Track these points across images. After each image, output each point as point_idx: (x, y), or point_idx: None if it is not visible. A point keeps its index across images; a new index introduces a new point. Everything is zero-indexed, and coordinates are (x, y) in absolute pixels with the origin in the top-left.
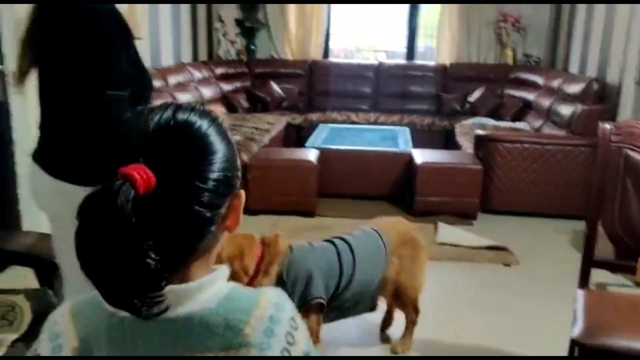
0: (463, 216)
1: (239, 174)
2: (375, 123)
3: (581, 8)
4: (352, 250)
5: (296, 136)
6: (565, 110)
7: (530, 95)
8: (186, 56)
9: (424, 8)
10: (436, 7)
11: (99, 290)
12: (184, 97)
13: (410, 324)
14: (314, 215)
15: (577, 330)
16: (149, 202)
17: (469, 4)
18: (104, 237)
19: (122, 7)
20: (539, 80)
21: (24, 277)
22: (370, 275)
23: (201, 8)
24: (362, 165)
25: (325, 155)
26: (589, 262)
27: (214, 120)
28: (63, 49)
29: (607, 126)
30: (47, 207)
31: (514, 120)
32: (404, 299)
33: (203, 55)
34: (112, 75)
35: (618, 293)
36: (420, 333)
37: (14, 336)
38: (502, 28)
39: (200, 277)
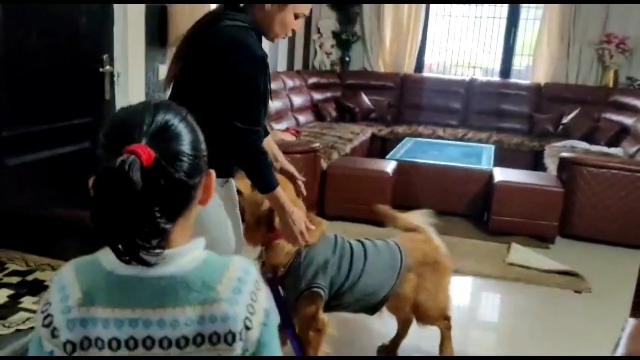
0: (540, 239)
1: (205, 156)
2: (462, 139)
3: None
4: (365, 257)
5: (381, 148)
6: None
7: (628, 120)
8: (282, 65)
9: (522, 26)
10: (535, 26)
11: (111, 245)
12: (274, 105)
13: (445, 330)
14: (385, 225)
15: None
16: (151, 172)
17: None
18: (120, 199)
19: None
20: None
21: None
22: (375, 286)
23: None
24: (439, 179)
25: (402, 167)
26: None
27: (184, 116)
28: (207, 72)
29: None
30: None
31: (609, 145)
32: (428, 318)
33: (298, 65)
34: (238, 110)
35: None
36: (479, 348)
37: None
38: (605, 49)
39: (180, 245)
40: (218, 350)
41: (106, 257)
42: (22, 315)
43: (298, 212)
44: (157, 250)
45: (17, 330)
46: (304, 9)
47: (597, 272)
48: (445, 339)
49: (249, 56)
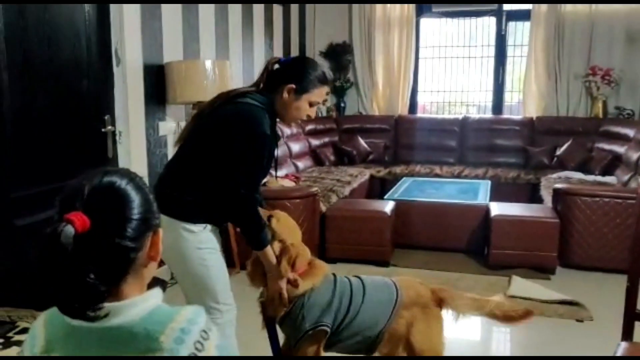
0: (540, 270)
1: (156, 216)
2: (459, 176)
3: None
4: (364, 292)
5: (380, 189)
6: None
7: (620, 149)
8: None
9: (510, 63)
10: (522, 62)
11: (55, 302)
12: None
13: None
14: (388, 265)
15: None
16: (87, 238)
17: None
18: (53, 263)
19: (213, 74)
20: (630, 132)
21: None
22: (372, 320)
23: None
24: (437, 217)
25: (401, 206)
26: (631, 315)
27: (132, 179)
28: (219, 139)
29: None
30: None
31: (603, 174)
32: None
33: None
34: (240, 179)
35: None
36: None
37: None
38: (591, 81)
39: (133, 297)
40: None
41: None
42: None
43: (274, 278)
44: (99, 306)
45: None
46: (318, 97)
47: (598, 300)
48: None
49: (258, 134)
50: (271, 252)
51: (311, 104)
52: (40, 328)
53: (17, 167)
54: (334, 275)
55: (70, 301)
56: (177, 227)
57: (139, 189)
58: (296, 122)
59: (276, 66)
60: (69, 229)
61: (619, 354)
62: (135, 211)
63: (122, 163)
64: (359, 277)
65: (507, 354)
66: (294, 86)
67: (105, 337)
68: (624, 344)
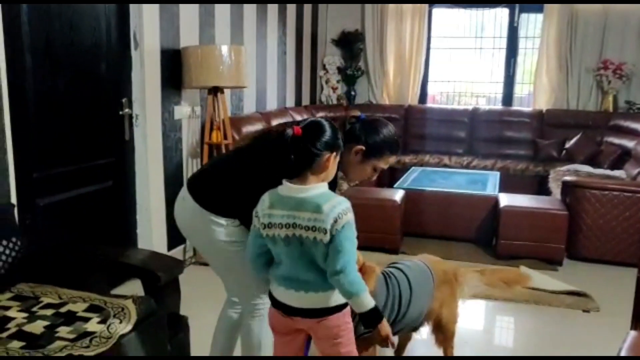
0: (548, 261)
1: (338, 144)
2: (468, 167)
3: None
4: (410, 288)
5: (390, 178)
6: None
7: (630, 143)
8: (290, 102)
9: (521, 55)
10: (534, 55)
11: (285, 172)
12: None
13: (450, 355)
14: (397, 252)
15: None
16: (296, 139)
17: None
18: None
19: (229, 59)
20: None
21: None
22: (418, 313)
23: (306, 57)
24: (446, 206)
25: (410, 195)
26: None
27: (330, 122)
28: (273, 165)
29: None
30: (185, 224)
31: (612, 167)
32: (445, 332)
33: (306, 101)
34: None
35: None
36: None
37: (123, 331)
38: (603, 75)
39: (312, 184)
40: (318, 234)
41: (280, 188)
42: (59, 343)
43: None
44: (298, 185)
45: (56, 357)
46: (385, 165)
47: (605, 292)
48: (449, 354)
49: None
50: None
51: (375, 169)
52: (266, 197)
53: (39, 148)
54: (383, 274)
55: (294, 167)
56: (207, 218)
57: (332, 127)
58: (353, 182)
59: (352, 120)
60: (290, 132)
61: (628, 342)
62: (324, 136)
63: (138, 146)
64: (400, 270)
65: (513, 342)
66: (363, 148)
67: (296, 202)
68: (633, 333)
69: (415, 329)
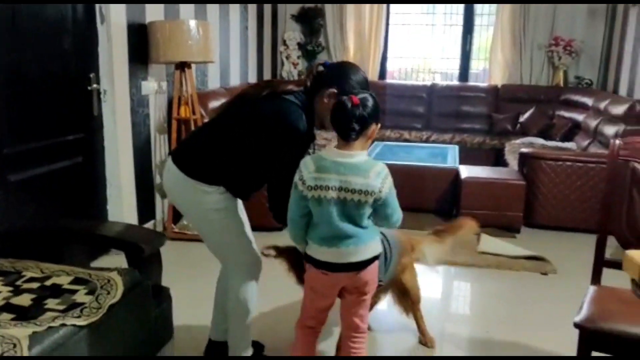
0: (507, 229)
1: (378, 117)
2: (427, 141)
3: (630, 32)
4: (389, 245)
5: None
6: (610, 130)
7: (579, 117)
8: (252, 77)
9: (477, 32)
10: (489, 31)
11: (341, 133)
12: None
13: (421, 319)
14: None
15: (579, 317)
16: (355, 106)
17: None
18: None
19: (197, 34)
20: (589, 101)
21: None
22: (393, 270)
23: (267, 33)
24: (410, 179)
25: None
26: (600, 262)
27: (373, 97)
28: (257, 129)
29: (617, 142)
30: (173, 194)
31: (563, 140)
32: (411, 297)
33: (267, 77)
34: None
35: (623, 289)
36: (454, 328)
37: (112, 302)
38: (553, 51)
39: (358, 151)
40: (365, 197)
41: (326, 153)
42: (50, 314)
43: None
44: (347, 151)
45: (50, 328)
46: None
47: (561, 256)
48: (423, 327)
49: (294, 132)
50: None
51: None
52: (310, 162)
53: (8, 124)
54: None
55: (352, 133)
56: (193, 186)
57: (375, 100)
58: (326, 129)
59: (320, 68)
60: (348, 102)
61: (589, 295)
62: (373, 107)
63: (107, 121)
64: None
65: (477, 304)
66: (335, 90)
67: (347, 167)
68: (593, 287)
69: (385, 290)
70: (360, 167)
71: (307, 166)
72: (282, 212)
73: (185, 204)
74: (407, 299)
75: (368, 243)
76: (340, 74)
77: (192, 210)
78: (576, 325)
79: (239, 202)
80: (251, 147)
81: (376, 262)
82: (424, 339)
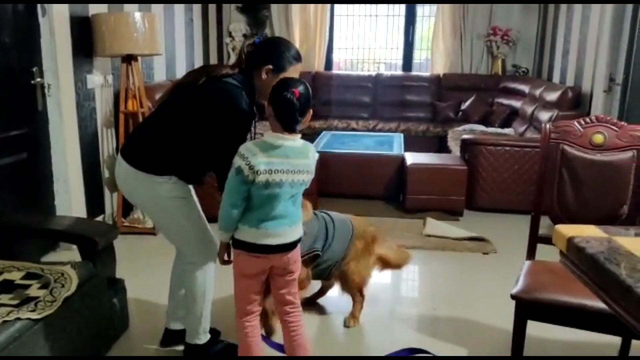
0: (450, 213)
1: (311, 103)
2: (373, 130)
3: (561, 22)
4: (334, 226)
5: None
6: (544, 115)
7: (517, 103)
8: None
9: (419, 22)
10: (430, 22)
11: (283, 122)
12: None
13: (357, 304)
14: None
15: (515, 289)
16: (299, 100)
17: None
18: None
19: (143, 26)
20: (525, 89)
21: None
22: (339, 249)
23: (212, 25)
24: (357, 167)
25: (323, 158)
26: (534, 238)
27: (306, 85)
28: (200, 113)
29: (548, 126)
30: (126, 189)
31: (502, 126)
32: (350, 282)
33: None
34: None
35: (555, 262)
36: (403, 308)
37: (67, 294)
38: (492, 41)
39: (297, 135)
40: (307, 176)
41: (268, 139)
42: (3, 309)
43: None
44: (292, 136)
45: (4, 322)
46: (294, 74)
47: (501, 236)
48: (357, 311)
49: (237, 111)
50: None
51: None
52: (253, 147)
53: None
54: (314, 211)
55: (292, 124)
56: (144, 178)
57: (308, 88)
58: None
59: (249, 48)
60: (290, 95)
61: (524, 269)
62: (310, 95)
63: (52, 116)
64: (326, 213)
65: (424, 284)
66: (271, 67)
67: (293, 151)
68: (528, 262)
69: (331, 272)
70: (303, 149)
71: (251, 151)
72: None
73: (139, 196)
74: (345, 282)
75: (299, 223)
76: (273, 49)
77: (147, 201)
78: (512, 296)
79: (191, 188)
80: (196, 132)
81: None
82: (349, 321)
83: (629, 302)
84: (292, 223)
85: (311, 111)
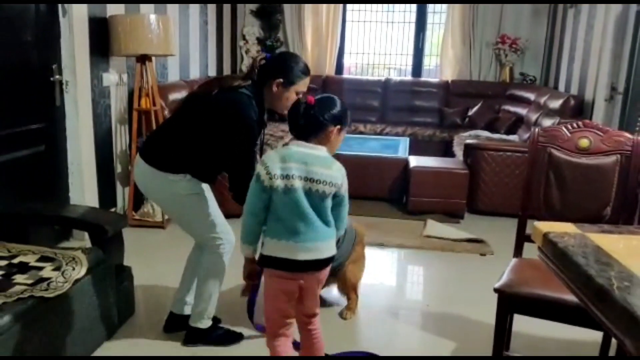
0: (452, 215)
1: (344, 121)
2: (381, 133)
3: (568, 31)
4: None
5: None
6: (547, 122)
7: (523, 111)
8: (212, 71)
9: (429, 30)
10: (440, 29)
11: (289, 126)
12: None
13: (353, 301)
14: None
15: (498, 284)
16: (309, 107)
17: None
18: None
19: (158, 28)
20: (531, 96)
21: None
22: (345, 250)
23: (226, 28)
24: (362, 169)
25: None
26: (521, 237)
27: (337, 101)
28: (213, 121)
29: (537, 130)
30: (144, 186)
31: (507, 133)
32: (347, 283)
33: (227, 70)
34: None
35: (539, 259)
36: (398, 303)
37: (77, 276)
38: (500, 49)
39: (322, 148)
40: (328, 187)
41: (289, 146)
42: (18, 288)
43: None
44: (313, 145)
45: (19, 299)
46: (303, 87)
47: (499, 239)
48: (352, 305)
49: (245, 119)
50: None
51: (297, 93)
52: (273, 154)
53: None
54: None
55: (301, 130)
56: (162, 177)
57: (343, 105)
58: (285, 110)
59: (262, 62)
60: (303, 101)
61: (510, 266)
62: (333, 109)
63: (69, 111)
64: None
65: (421, 282)
66: (281, 80)
67: (310, 158)
68: (514, 259)
69: (335, 273)
70: (324, 159)
71: (271, 159)
72: (242, 192)
73: (157, 193)
74: (343, 283)
75: (329, 240)
76: (282, 64)
77: (165, 198)
78: (495, 290)
79: (207, 185)
80: (209, 137)
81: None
82: (346, 313)
83: (591, 291)
84: (319, 239)
85: (336, 128)
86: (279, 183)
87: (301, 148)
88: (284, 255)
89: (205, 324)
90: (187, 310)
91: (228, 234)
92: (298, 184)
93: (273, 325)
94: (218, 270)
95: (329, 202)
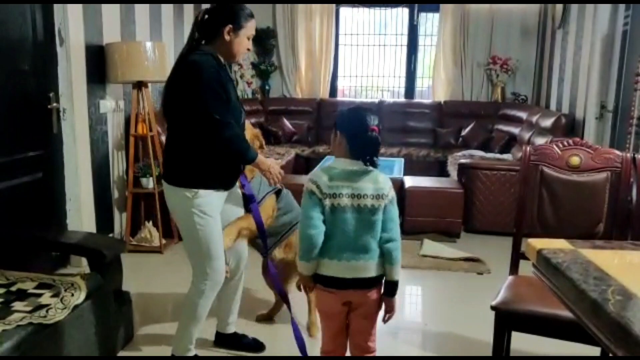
0: (448, 234)
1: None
2: None
3: (557, 51)
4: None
5: (306, 166)
6: (540, 141)
7: (515, 130)
8: None
9: (421, 52)
10: (432, 51)
11: (364, 157)
12: None
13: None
14: None
15: (495, 301)
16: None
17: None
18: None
19: (153, 54)
20: (523, 115)
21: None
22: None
23: None
24: None
25: None
26: (516, 255)
27: (376, 116)
28: (180, 89)
29: (528, 148)
30: (168, 205)
31: (501, 152)
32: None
33: None
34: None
35: (534, 276)
36: (398, 323)
37: (76, 302)
38: (492, 69)
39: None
40: (378, 201)
41: (335, 165)
42: (17, 315)
43: (274, 163)
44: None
45: (18, 326)
46: (252, 30)
47: (495, 257)
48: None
49: (202, 70)
50: (262, 156)
51: (248, 38)
52: (321, 173)
53: None
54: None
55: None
56: (177, 193)
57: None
58: (241, 57)
59: (206, 16)
60: (374, 132)
61: (506, 283)
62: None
63: (66, 138)
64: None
65: (419, 301)
66: (231, 26)
67: (357, 173)
68: (510, 277)
69: (286, 232)
70: (370, 175)
71: (319, 176)
72: (229, 143)
73: (172, 209)
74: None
75: (379, 259)
76: (228, 10)
77: (179, 214)
78: (492, 307)
79: (234, 211)
80: (187, 110)
81: (382, 282)
82: (313, 329)
83: (585, 306)
84: (370, 258)
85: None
86: (328, 202)
87: (348, 166)
88: (332, 273)
89: (188, 352)
90: (231, 329)
91: (216, 274)
92: (346, 202)
93: (324, 342)
94: (193, 304)
95: (380, 215)
